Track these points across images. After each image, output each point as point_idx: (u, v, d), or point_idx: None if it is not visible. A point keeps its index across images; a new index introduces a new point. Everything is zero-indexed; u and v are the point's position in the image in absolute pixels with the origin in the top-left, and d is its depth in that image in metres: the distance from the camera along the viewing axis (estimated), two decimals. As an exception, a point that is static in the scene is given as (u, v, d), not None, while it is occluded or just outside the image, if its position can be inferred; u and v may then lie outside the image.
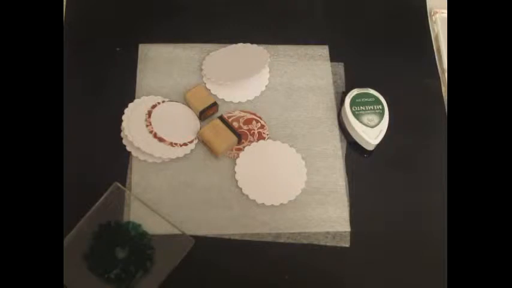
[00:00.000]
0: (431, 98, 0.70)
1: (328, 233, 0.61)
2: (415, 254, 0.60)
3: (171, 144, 0.62)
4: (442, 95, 0.70)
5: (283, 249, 0.59)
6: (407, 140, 0.67)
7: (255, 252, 0.59)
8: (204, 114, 0.66)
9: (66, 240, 0.57)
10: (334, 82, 0.70)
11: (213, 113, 0.67)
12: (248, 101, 0.68)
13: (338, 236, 0.61)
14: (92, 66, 0.68)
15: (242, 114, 0.67)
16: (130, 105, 0.65)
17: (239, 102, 0.68)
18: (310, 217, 0.61)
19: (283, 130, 0.66)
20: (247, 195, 0.61)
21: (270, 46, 0.71)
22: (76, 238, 0.57)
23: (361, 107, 0.65)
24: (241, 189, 0.62)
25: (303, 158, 0.64)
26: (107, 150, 0.63)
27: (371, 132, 0.64)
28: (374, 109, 0.65)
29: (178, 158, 0.63)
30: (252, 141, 0.65)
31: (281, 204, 0.61)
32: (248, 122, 0.66)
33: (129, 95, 0.66)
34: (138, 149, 0.62)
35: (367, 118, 0.64)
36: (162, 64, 0.69)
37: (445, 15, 0.75)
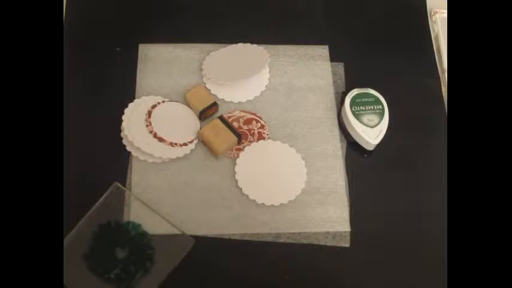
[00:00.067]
0: (431, 98, 0.70)
1: (328, 233, 0.61)
2: (415, 254, 0.60)
3: (171, 144, 0.62)
4: (442, 95, 0.71)
5: (283, 249, 0.59)
6: (407, 140, 0.67)
7: (255, 252, 0.59)
8: (204, 114, 0.66)
9: (66, 240, 0.57)
10: (334, 82, 0.70)
11: (213, 113, 0.67)
12: (248, 101, 0.68)
13: (338, 236, 0.61)
14: (92, 66, 0.68)
15: (242, 114, 0.67)
16: (131, 105, 0.65)
17: (239, 102, 0.68)
18: (310, 217, 0.61)
19: (283, 130, 0.66)
20: (247, 195, 0.61)
21: (270, 46, 0.71)
22: (76, 238, 0.57)
23: (361, 107, 0.65)
24: (241, 189, 0.62)
25: (303, 158, 0.64)
26: (107, 150, 0.63)
27: (371, 132, 0.64)
28: (374, 109, 0.65)
29: (178, 158, 0.63)
30: (252, 141, 0.65)
31: (281, 204, 0.61)
32: (248, 122, 0.66)
33: (129, 95, 0.66)
34: (138, 149, 0.62)
35: (367, 118, 0.64)
36: (162, 64, 0.69)
37: (445, 15, 0.75)
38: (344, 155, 0.66)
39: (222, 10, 0.74)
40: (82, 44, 0.69)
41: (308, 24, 0.74)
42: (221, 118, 0.64)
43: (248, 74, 0.67)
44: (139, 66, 0.69)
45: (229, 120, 0.65)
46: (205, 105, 0.65)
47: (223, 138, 0.63)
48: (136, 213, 0.59)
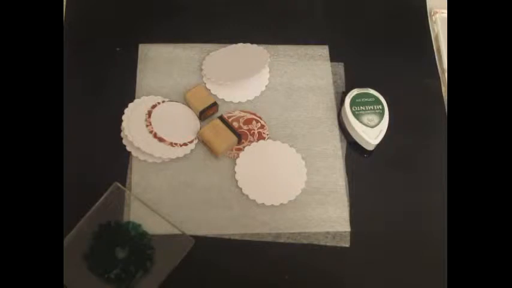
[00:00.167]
0: (431, 98, 0.70)
1: (328, 233, 0.61)
2: (415, 254, 0.60)
3: (171, 144, 0.62)
4: (442, 95, 0.71)
5: (283, 249, 0.59)
6: (407, 140, 0.67)
7: (255, 252, 0.59)
8: (204, 114, 0.66)
9: (66, 240, 0.57)
10: (334, 82, 0.70)
11: (213, 113, 0.67)
12: (248, 101, 0.68)
13: (338, 236, 0.61)
14: (92, 66, 0.68)
15: (242, 114, 0.67)
16: (131, 105, 0.65)
17: (239, 102, 0.68)
18: (310, 217, 0.61)
19: (283, 130, 0.66)
20: (247, 195, 0.61)
21: (270, 46, 0.71)
22: (76, 238, 0.57)
23: (361, 107, 0.65)
24: (241, 189, 0.62)
25: (303, 158, 0.64)
26: (107, 150, 0.63)
27: (371, 132, 0.64)
28: (374, 109, 0.65)
29: (178, 158, 0.63)
30: (252, 141, 0.65)
31: (281, 204, 0.61)
32: (248, 122, 0.66)
33: (129, 95, 0.66)
34: (138, 149, 0.62)
35: (367, 118, 0.64)
36: (162, 64, 0.69)
37: (445, 15, 0.75)
38: (344, 155, 0.66)
39: (222, 10, 0.74)
40: (82, 44, 0.69)
41: (308, 24, 0.74)
42: (221, 118, 0.64)
43: (248, 74, 0.67)
44: (139, 66, 0.69)
45: (229, 120, 0.65)
46: (205, 105, 0.65)
47: (223, 138, 0.63)
48: (136, 213, 0.59)
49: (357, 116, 0.64)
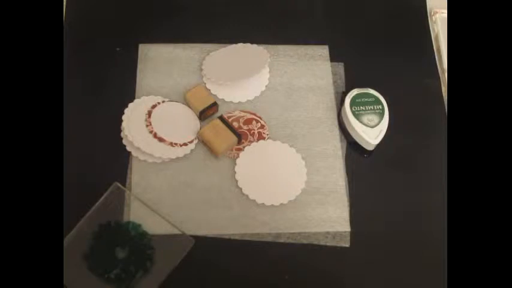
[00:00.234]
0: (431, 98, 0.70)
1: (328, 233, 0.61)
2: (415, 254, 0.60)
3: (171, 144, 0.62)
4: (442, 95, 0.71)
5: (283, 249, 0.59)
6: (407, 140, 0.67)
7: (255, 252, 0.59)
8: (204, 114, 0.66)
9: (66, 240, 0.57)
10: (334, 82, 0.70)
11: (213, 113, 0.67)
12: (248, 101, 0.68)
13: (338, 236, 0.61)
14: (92, 66, 0.68)
15: (242, 114, 0.67)
16: (131, 105, 0.65)
17: (239, 102, 0.68)
18: (310, 217, 0.61)
19: (283, 130, 0.66)
20: (247, 195, 0.61)
21: (270, 46, 0.71)
22: (76, 238, 0.57)
23: (361, 107, 0.65)
24: (241, 189, 0.62)
25: (303, 158, 0.64)
26: (107, 150, 0.63)
27: (371, 132, 0.64)
28: (374, 109, 0.65)
29: (178, 158, 0.63)
30: (252, 141, 0.65)
31: (281, 204, 0.61)
32: (248, 122, 0.66)
33: (129, 95, 0.66)
34: (138, 149, 0.62)
35: (367, 118, 0.64)
36: (162, 64, 0.69)
37: (445, 15, 0.75)
38: (344, 155, 0.66)
39: (222, 10, 0.74)
40: (82, 44, 0.69)
41: (308, 24, 0.74)
42: (221, 118, 0.64)
43: (248, 74, 0.67)
44: (139, 66, 0.69)
45: (229, 120, 0.65)
46: (205, 105, 0.65)
47: (223, 138, 0.63)
48: (136, 213, 0.59)
49: (357, 116, 0.64)
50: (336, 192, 0.63)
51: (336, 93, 0.69)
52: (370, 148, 0.65)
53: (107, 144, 0.63)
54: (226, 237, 0.60)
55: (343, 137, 0.67)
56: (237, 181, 0.62)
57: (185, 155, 0.63)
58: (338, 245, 0.60)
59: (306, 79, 0.70)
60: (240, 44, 0.71)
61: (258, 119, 0.66)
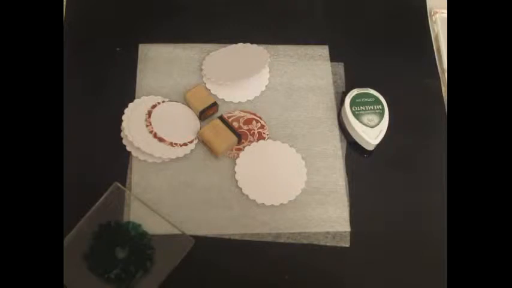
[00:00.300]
0: (431, 98, 0.70)
1: (328, 233, 0.61)
2: (415, 254, 0.60)
3: (171, 144, 0.62)
4: (442, 95, 0.71)
5: (283, 249, 0.59)
6: (407, 140, 0.67)
7: (255, 252, 0.59)
8: (204, 114, 0.66)
9: (66, 240, 0.57)
10: (334, 82, 0.70)
11: (213, 113, 0.67)
12: (248, 101, 0.68)
13: (338, 236, 0.61)
14: (92, 66, 0.68)
15: (242, 114, 0.67)
16: (131, 105, 0.65)
17: (239, 102, 0.68)
18: (310, 217, 0.61)
19: (283, 130, 0.66)
20: (247, 195, 0.61)
21: (270, 46, 0.71)
22: (76, 238, 0.57)
23: (361, 107, 0.65)
24: (241, 189, 0.62)
25: (303, 158, 0.64)
26: (107, 150, 0.63)
27: (371, 132, 0.64)
28: (374, 109, 0.65)
29: (178, 158, 0.63)
30: (252, 141, 0.65)
31: (281, 204, 0.61)
32: (248, 122, 0.66)
33: (129, 95, 0.66)
34: (138, 149, 0.62)
35: (367, 118, 0.64)
36: (162, 64, 0.69)
37: (445, 15, 0.75)
38: (344, 155, 0.66)
39: (222, 10, 0.74)
40: (82, 44, 0.69)
41: (308, 24, 0.74)
42: (221, 118, 0.64)
43: (248, 74, 0.67)
44: (139, 66, 0.69)
45: (229, 120, 0.65)
46: (205, 105, 0.65)
47: (223, 138, 0.63)
48: (136, 213, 0.59)
49: (357, 116, 0.64)
50: (336, 192, 0.63)
51: (336, 93, 0.69)
52: (370, 148, 0.65)
53: (107, 144, 0.63)
54: (226, 237, 0.60)
55: (343, 137, 0.67)
56: (237, 181, 0.62)
57: (185, 155, 0.63)
58: (338, 245, 0.60)
59: (306, 79, 0.70)
60: (240, 44, 0.71)
61: (258, 119, 0.66)
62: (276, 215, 0.61)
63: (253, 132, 0.65)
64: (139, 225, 0.58)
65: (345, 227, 0.61)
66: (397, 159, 0.66)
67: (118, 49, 0.70)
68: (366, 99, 0.65)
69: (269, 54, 0.69)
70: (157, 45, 0.70)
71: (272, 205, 0.61)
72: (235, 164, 0.63)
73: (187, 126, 0.65)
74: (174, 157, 0.62)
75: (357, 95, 0.66)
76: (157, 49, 0.70)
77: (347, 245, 0.60)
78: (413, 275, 0.59)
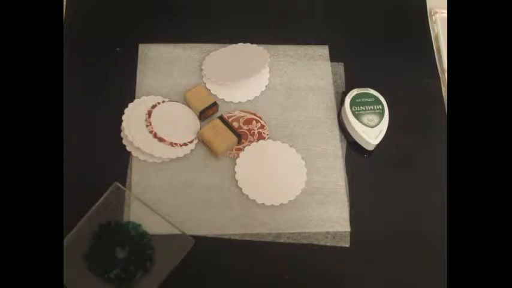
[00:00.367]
0: (431, 98, 0.70)
1: (328, 233, 0.61)
2: (415, 254, 0.60)
3: (171, 144, 0.62)
4: (442, 95, 0.71)
5: (283, 249, 0.59)
6: (407, 140, 0.67)
7: (255, 252, 0.59)
8: (204, 114, 0.66)
9: (66, 240, 0.57)
10: (334, 82, 0.70)
11: (213, 113, 0.67)
12: (248, 101, 0.68)
13: (338, 236, 0.61)
14: (92, 66, 0.68)
15: (242, 114, 0.67)
16: (131, 105, 0.65)
17: (239, 102, 0.68)
18: (310, 217, 0.61)
19: (283, 130, 0.66)
20: (247, 195, 0.61)
21: (270, 46, 0.71)
22: (76, 238, 0.57)
23: (361, 107, 0.65)
24: (241, 189, 0.62)
25: (303, 158, 0.64)
26: (107, 150, 0.63)
27: (371, 132, 0.64)
28: (374, 109, 0.65)
29: (178, 158, 0.63)
30: (252, 141, 0.65)
31: (281, 204, 0.61)
32: (248, 122, 0.66)
33: (129, 95, 0.66)
34: (138, 149, 0.62)
35: (367, 118, 0.64)
36: (162, 64, 0.69)
37: (445, 15, 0.75)
38: (344, 155, 0.66)
39: (222, 10, 0.74)
40: (82, 44, 0.69)
41: (308, 24, 0.74)
42: (221, 118, 0.64)
43: (248, 74, 0.67)
44: (139, 66, 0.69)
45: (229, 120, 0.65)
46: (205, 105, 0.65)
47: (223, 138, 0.63)
48: (136, 213, 0.59)
49: (357, 116, 0.64)
50: (336, 192, 0.63)
51: (336, 93, 0.69)
52: (370, 148, 0.65)
53: (107, 144, 0.63)
54: (226, 237, 0.60)
55: (343, 137, 0.67)
56: (237, 181, 0.62)
57: (185, 155, 0.63)
58: (338, 245, 0.60)
59: (306, 79, 0.70)
60: (240, 44, 0.71)
61: (258, 119, 0.66)
62: (276, 215, 0.61)
63: (253, 132, 0.65)
64: (139, 225, 0.58)
65: (345, 227, 0.61)
66: (397, 159, 0.66)
67: (118, 49, 0.70)
68: (366, 99, 0.65)
69: (269, 54, 0.69)
70: (157, 45, 0.70)
71: (272, 205, 0.61)
72: (235, 164, 0.63)
73: (187, 126, 0.65)
74: (174, 157, 0.62)
75: (357, 95, 0.66)
76: (157, 49, 0.70)
77: (347, 245, 0.60)
78: (413, 275, 0.59)
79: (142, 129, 0.63)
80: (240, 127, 0.65)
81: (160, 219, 0.59)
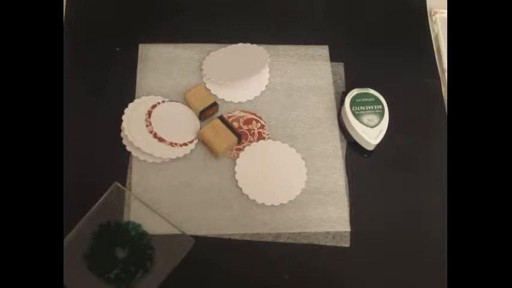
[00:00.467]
0: (431, 98, 0.70)
1: (328, 233, 0.61)
2: (415, 254, 0.60)
3: (171, 144, 0.62)
4: (442, 95, 0.71)
5: (283, 249, 0.59)
6: (407, 140, 0.67)
7: (255, 252, 0.59)
8: (204, 114, 0.66)
9: (66, 240, 0.57)
10: (334, 82, 0.70)
11: (213, 113, 0.67)
12: (248, 101, 0.68)
13: (338, 236, 0.61)
14: (92, 66, 0.68)
15: (242, 114, 0.67)
16: (131, 105, 0.65)
17: (239, 102, 0.68)
18: (310, 217, 0.61)
19: (283, 130, 0.66)
20: (247, 195, 0.61)
21: (270, 46, 0.71)
22: (76, 238, 0.57)
23: (361, 107, 0.65)
24: (241, 189, 0.62)
25: (303, 158, 0.64)
26: (107, 150, 0.63)
27: (371, 132, 0.64)
28: (374, 109, 0.65)
29: (178, 158, 0.63)
30: (252, 141, 0.65)
31: (281, 204, 0.61)
32: (248, 122, 0.66)
33: (129, 95, 0.66)
34: (138, 149, 0.62)
35: (367, 118, 0.64)
36: (162, 64, 0.69)
37: (445, 15, 0.76)
38: (344, 155, 0.66)
39: (222, 10, 0.74)
40: (82, 44, 0.69)
41: (308, 24, 0.74)
42: (221, 118, 0.64)
43: (248, 74, 0.67)
44: (139, 66, 0.69)
45: (229, 120, 0.65)
46: (205, 105, 0.65)
47: (223, 138, 0.63)
48: (136, 213, 0.59)
49: (357, 116, 0.64)
50: (336, 192, 0.63)
51: (336, 93, 0.69)
52: (370, 148, 0.65)
53: (107, 144, 0.63)
54: (226, 237, 0.60)
55: (343, 137, 0.67)
56: (237, 181, 0.62)
57: (185, 155, 0.63)
58: (338, 245, 0.60)
59: (306, 79, 0.70)
60: (240, 44, 0.71)
61: (258, 119, 0.66)
62: (276, 215, 0.61)
63: (253, 132, 0.65)
64: (139, 225, 0.58)
65: (345, 227, 0.61)
66: (397, 159, 0.66)
67: (118, 49, 0.70)
68: (366, 99, 0.65)
69: (269, 54, 0.69)
70: (157, 45, 0.70)
71: (272, 205, 0.61)
72: (235, 164, 0.63)
73: (187, 126, 0.65)
74: (174, 157, 0.62)
75: (357, 95, 0.66)
76: (157, 49, 0.70)
77: (347, 245, 0.60)
78: (413, 275, 0.59)
79: (142, 129, 0.63)
80: (240, 127, 0.65)
81: (160, 219, 0.59)
